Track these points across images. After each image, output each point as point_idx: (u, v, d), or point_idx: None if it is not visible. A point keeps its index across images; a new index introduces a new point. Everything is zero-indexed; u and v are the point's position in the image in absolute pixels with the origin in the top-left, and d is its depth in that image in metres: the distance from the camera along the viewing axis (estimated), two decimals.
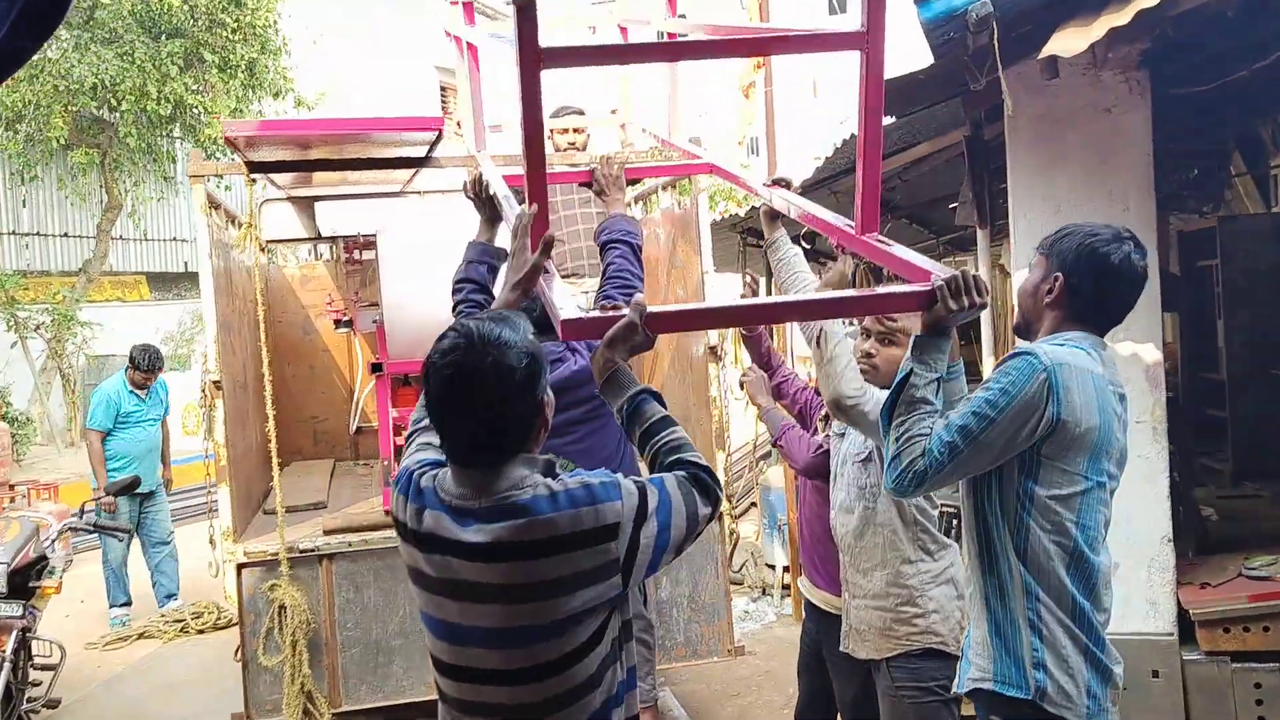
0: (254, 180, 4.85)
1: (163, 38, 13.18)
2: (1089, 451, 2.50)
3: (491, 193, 3.55)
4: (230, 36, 13.31)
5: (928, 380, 2.47)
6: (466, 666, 2.04)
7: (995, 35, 3.76)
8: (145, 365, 8.17)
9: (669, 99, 5.18)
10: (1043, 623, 2.51)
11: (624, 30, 5.37)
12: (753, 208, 7.83)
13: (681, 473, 2.14)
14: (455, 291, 3.41)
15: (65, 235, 17.30)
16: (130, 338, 18.31)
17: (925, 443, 2.46)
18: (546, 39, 2.28)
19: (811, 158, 6.89)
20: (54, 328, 14.90)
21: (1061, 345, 2.55)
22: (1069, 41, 3.73)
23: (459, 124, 5.93)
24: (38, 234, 16.84)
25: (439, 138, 4.62)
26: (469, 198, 3.64)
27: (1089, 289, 2.59)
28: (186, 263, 19.38)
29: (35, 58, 13.68)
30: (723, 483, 2.46)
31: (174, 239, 19.55)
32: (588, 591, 1.95)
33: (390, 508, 2.12)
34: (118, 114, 13.52)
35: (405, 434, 2.34)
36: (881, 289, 2.82)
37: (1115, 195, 4.60)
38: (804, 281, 3.33)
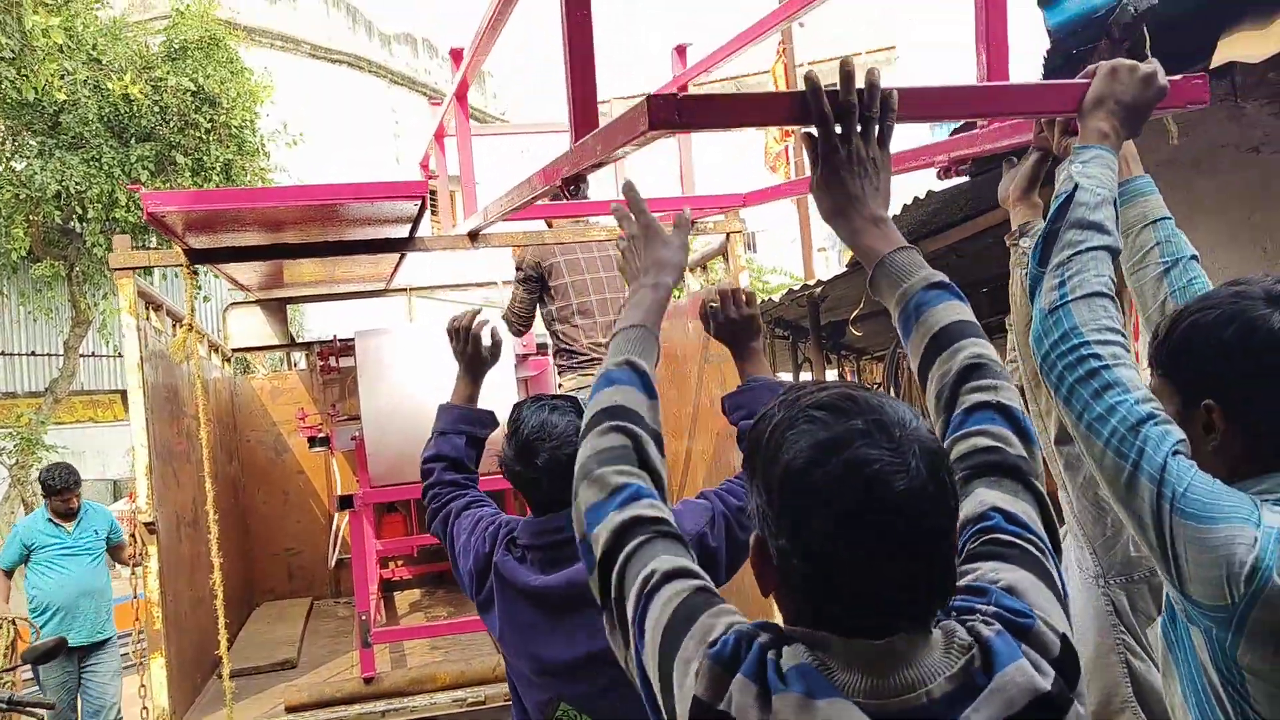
0: (195, 272, 3.90)
1: (132, 141, 12.45)
2: None
3: (476, 328, 2.70)
4: (204, 138, 12.59)
5: (1099, 198, 1.62)
6: None
7: (1149, 42, 2.88)
8: (58, 484, 6.71)
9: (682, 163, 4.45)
10: None
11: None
12: (790, 290, 6.89)
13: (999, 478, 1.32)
14: (424, 474, 2.60)
15: (32, 354, 16.38)
16: (103, 460, 17.36)
17: (1107, 311, 1.57)
18: None
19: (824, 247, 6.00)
20: (17, 453, 13.86)
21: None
22: (1249, 46, 2.84)
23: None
24: (2, 353, 15.91)
25: (423, 208, 3.70)
26: (450, 337, 2.74)
27: (1268, 403, 1.56)
28: None
29: None
30: None
31: None
32: None
33: (701, 693, 1.16)
34: (84, 223, 12.72)
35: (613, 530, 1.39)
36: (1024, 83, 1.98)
37: (1272, 254, 3.69)
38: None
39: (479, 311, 2.77)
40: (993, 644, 1.13)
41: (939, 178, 2.91)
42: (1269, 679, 1.46)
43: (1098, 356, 1.55)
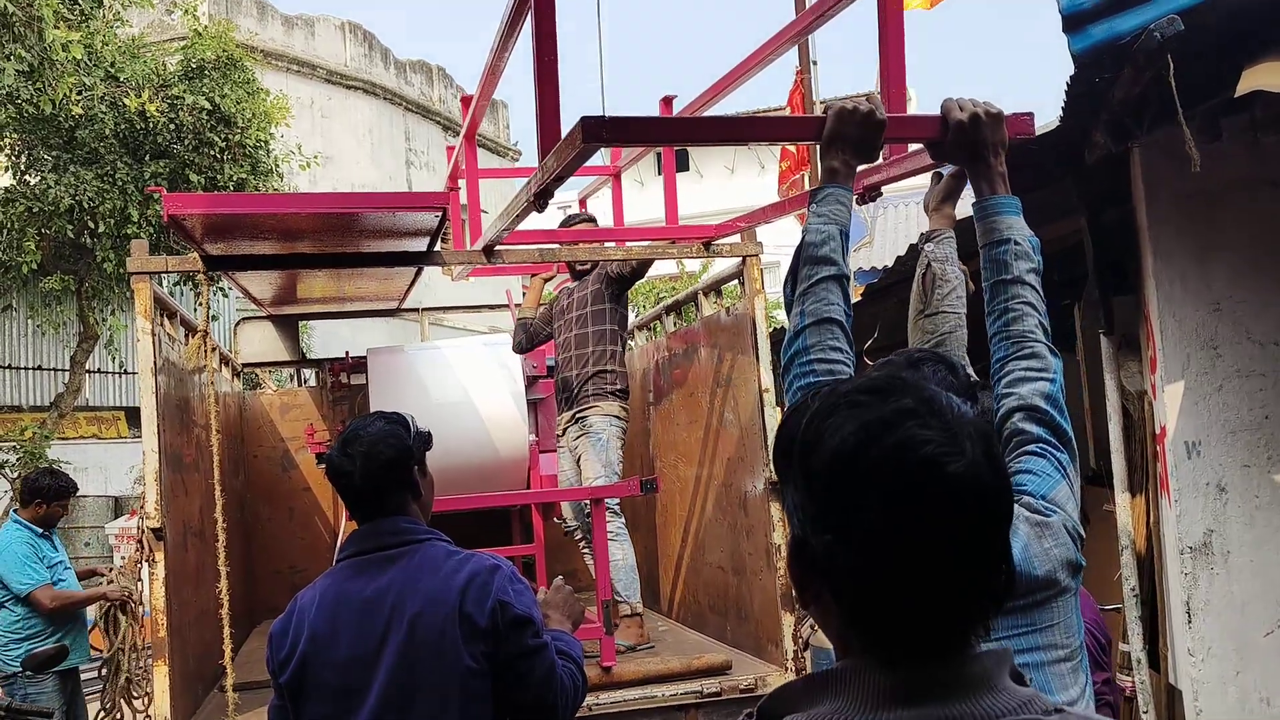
0: (213, 280, 3.91)
1: (146, 158, 12.50)
2: None
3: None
4: (218, 156, 12.64)
5: (824, 235, 1.97)
6: None
7: (1173, 69, 2.89)
8: (53, 493, 6.23)
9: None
10: None
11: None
12: None
13: None
14: None
15: (38, 368, 16.38)
16: (106, 477, 17.31)
17: (833, 334, 1.91)
18: None
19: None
20: (20, 467, 13.84)
21: None
22: (1273, 77, 2.85)
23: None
24: (8, 366, 15.92)
25: (444, 220, 3.70)
26: None
27: None
28: None
29: (10, 181, 12.98)
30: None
31: None
32: None
33: None
34: (95, 239, 12.77)
35: None
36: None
37: None
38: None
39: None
40: None
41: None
42: None
43: (814, 372, 1.90)
